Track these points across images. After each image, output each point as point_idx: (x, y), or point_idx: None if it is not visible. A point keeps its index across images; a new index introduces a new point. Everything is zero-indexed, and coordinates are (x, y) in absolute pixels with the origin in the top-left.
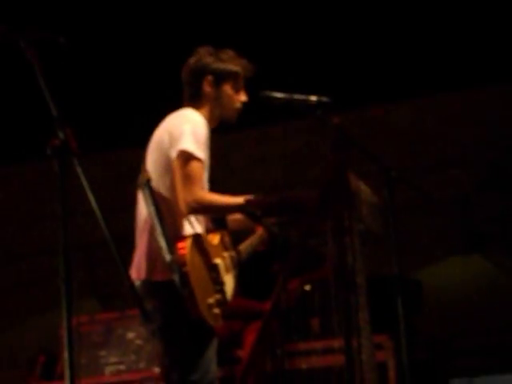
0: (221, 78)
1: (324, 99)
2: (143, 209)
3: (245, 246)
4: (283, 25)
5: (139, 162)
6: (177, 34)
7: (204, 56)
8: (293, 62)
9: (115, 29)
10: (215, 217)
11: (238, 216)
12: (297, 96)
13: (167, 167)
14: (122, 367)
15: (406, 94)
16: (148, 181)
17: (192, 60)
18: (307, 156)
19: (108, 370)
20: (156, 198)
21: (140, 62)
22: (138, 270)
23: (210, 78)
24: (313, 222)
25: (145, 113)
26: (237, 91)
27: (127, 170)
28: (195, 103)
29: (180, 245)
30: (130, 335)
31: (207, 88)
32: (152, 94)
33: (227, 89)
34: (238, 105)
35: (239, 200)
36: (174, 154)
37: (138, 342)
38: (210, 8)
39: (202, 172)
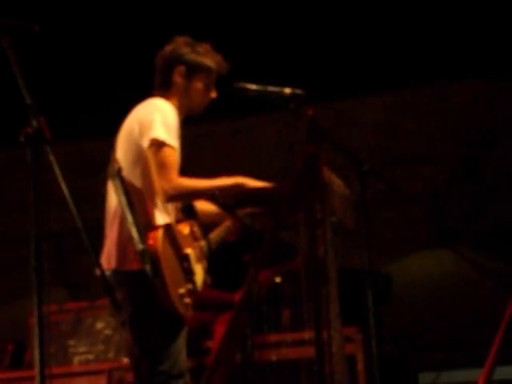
0: (193, 70)
1: (298, 91)
2: (113, 199)
3: (214, 236)
4: (258, 17)
5: (105, 152)
6: (149, 23)
7: (180, 45)
8: (267, 53)
9: (84, 15)
10: (186, 207)
11: (209, 208)
12: (271, 88)
13: (138, 157)
14: (90, 357)
15: (377, 87)
16: (119, 170)
17: (167, 48)
18: (280, 148)
19: (76, 359)
20: (127, 188)
21: (109, 52)
22: (108, 260)
23: (182, 68)
24: (285, 213)
25: (112, 102)
26: (207, 86)
27: (92, 161)
28: (165, 92)
29: (151, 234)
30: (99, 325)
31: (178, 78)
32: (121, 84)
33: (197, 82)
34: (206, 100)
35: (216, 183)
36: (145, 143)
37: (107, 331)
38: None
39: (176, 158)
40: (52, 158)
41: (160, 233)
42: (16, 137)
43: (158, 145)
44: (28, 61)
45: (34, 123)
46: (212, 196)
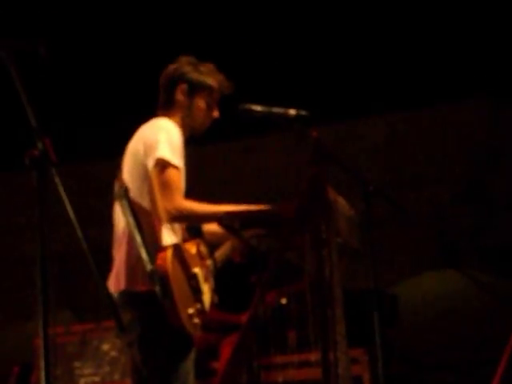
0: (195, 88)
1: (302, 112)
2: (121, 220)
3: (219, 255)
4: (263, 39)
5: (111, 173)
6: (154, 44)
7: (183, 64)
8: (271, 75)
9: (87, 36)
10: (192, 226)
11: (214, 228)
12: (275, 109)
13: (144, 177)
14: (96, 379)
15: (380, 109)
16: (126, 191)
17: (171, 67)
18: (285, 169)
19: (83, 381)
20: (134, 209)
21: (114, 73)
22: (117, 281)
23: (184, 86)
24: (290, 234)
25: (117, 124)
26: (209, 106)
27: (99, 183)
28: (167, 111)
29: (160, 255)
30: (105, 347)
31: (180, 96)
32: (126, 105)
33: (199, 101)
34: (208, 120)
35: (219, 209)
36: (150, 162)
37: (113, 353)
38: (187, 20)
39: (180, 179)
40: (57, 179)
41: (169, 253)
42: (21, 159)
43: (162, 165)
44: (32, 82)
45: (40, 145)
46: (217, 218)
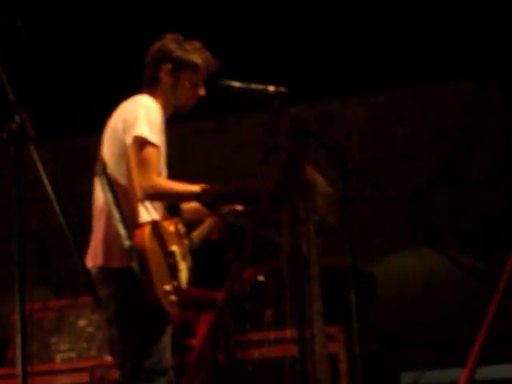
0: (180, 67)
1: (281, 89)
2: (100, 196)
3: (197, 234)
4: (245, 16)
5: (91, 149)
6: (139, 20)
7: (167, 42)
8: (252, 52)
9: (71, 13)
10: (170, 204)
11: (192, 205)
12: (254, 86)
13: (123, 154)
14: (72, 354)
15: (360, 88)
16: (104, 168)
17: (156, 45)
18: (263, 146)
19: (59, 357)
20: (113, 185)
21: (96, 47)
22: (94, 257)
23: (168, 65)
24: (268, 211)
25: (98, 99)
26: (194, 84)
27: (79, 158)
28: (151, 89)
29: (138, 231)
30: (82, 323)
31: (165, 75)
32: (108, 80)
33: (184, 79)
34: (194, 98)
35: (196, 188)
36: (128, 139)
37: (90, 329)
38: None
39: (157, 157)
40: (35, 155)
41: (147, 229)
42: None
43: (140, 142)
44: (12, 56)
45: (18, 119)
46: (195, 195)
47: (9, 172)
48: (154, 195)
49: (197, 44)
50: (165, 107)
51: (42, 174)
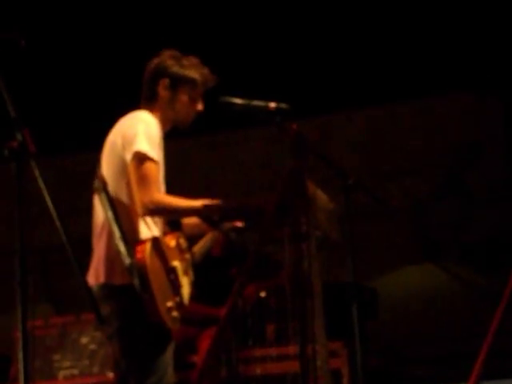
0: (177, 82)
1: (283, 106)
2: (100, 213)
3: (198, 248)
4: (245, 32)
5: (91, 166)
6: (136, 37)
7: (165, 58)
8: (253, 68)
9: (74, 31)
10: (171, 219)
11: (193, 220)
12: (256, 102)
13: (122, 170)
14: (75, 371)
15: (362, 102)
16: (104, 185)
17: (154, 61)
18: (265, 162)
19: (62, 374)
20: (113, 202)
21: (94, 64)
22: (96, 275)
23: (166, 80)
24: (270, 227)
25: (96, 116)
26: (192, 99)
27: (79, 174)
28: (150, 105)
29: (139, 248)
30: (84, 340)
31: (162, 90)
32: (105, 97)
33: (183, 95)
34: (192, 113)
35: (197, 204)
36: (128, 155)
37: (92, 346)
38: (170, 12)
39: (157, 173)
40: (37, 171)
41: (148, 246)
42: (0, 151)
43: (140, 158)
44: (10, 72)
45: (19, 137)
46: (196, 211)
47: (10, 188)
48: (155, 211)
49: (194, 60)
50: (163, 123)
51: (43, 190)
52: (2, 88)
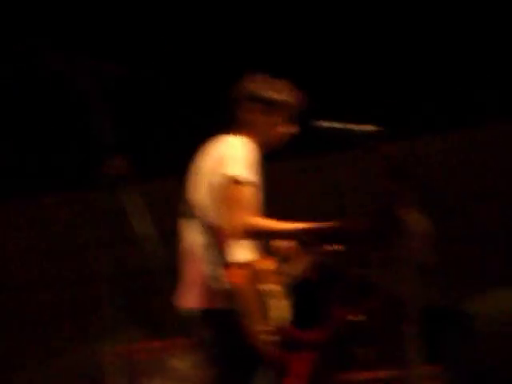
0: (270, 106)
1: (377, 128)
2: (192, 237)
3: (292, 272)
4: (335, 56)
5: (176, 190)
6: (224, 61)
7: (256, 82)
8: (341, 90)
9: (159, 57)
10: (265, 242)
11: (286, 243)
12: (350, 125)
13: (215, 194)
14: None
15: (454, 125)
16: (195, 209)
17: (244, 85)
18: (358, 186)
19: None
20: (205, 226)
21: (182, 91)
22: (190, 298)
23: (259, 105)
24: (365, 251)
25: (180, 141)
26: (285, 122)
27: (165, 199)
28: (241, 129)
29: (234, 272)
30: (179, 364)
31: (255, 115)
32: (189, 122)
33: (276, 119)
34: (285, 136)
35: (291, 226)
36: (222, 179)
37: (187, 370)
38: (257, 37)
39: (251, 196)
40: (129, 197)
41: (243, 269)
42: (95, 177)
43: (233, 181)
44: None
45: (114, 163)
46: (291, 234)
47: (101, 213)
48: (250, 234)
49: (285, 83)
50: (257, 147)
51: (136, 215)
52: (101, 116)
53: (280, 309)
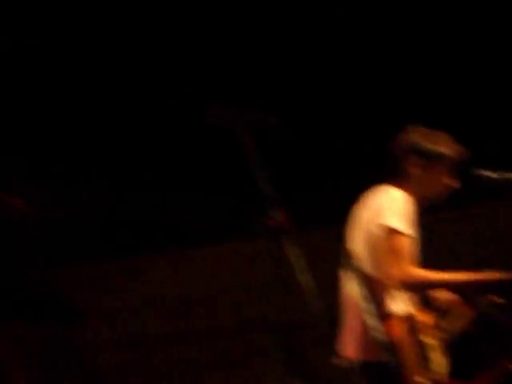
0: (430, 159)
1: None
2: (350, 289)
3: (452, 325)
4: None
5: (337, 241)
6: (374, 114)
7: (415, 135)
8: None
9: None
10: (424, 293)
11: (443, 294)
12: (508, 175)
13: (373, 245)
14: None
15: None
16: (353, 259)
17: (402, 138)
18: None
19: None
20: (364, 278)
21: (332, 139)
22: (352, 349)
23: (418, 158)
24: None
25: (335, 192)
26: (445, 176)
27: (325, 250)
28: (400, 181)
29: (393, 323)
30: None
31: (415, 168)
32: (339, 174)
33: (436, 172)
34: (445, 189)
35: (450, 276)
36: (380, 231)
37: None
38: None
39: (409, 247)
40: (291, 248)
41: (401, 322)
42: (258, 228)
43: (391, 233)
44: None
45: (275, 215)
46: (451, 285)
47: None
48: (410, 285)
49: (444, 135)
50: (416, 199)
51: (298, 266)
52: (260, 167)
53: (439, 363)
